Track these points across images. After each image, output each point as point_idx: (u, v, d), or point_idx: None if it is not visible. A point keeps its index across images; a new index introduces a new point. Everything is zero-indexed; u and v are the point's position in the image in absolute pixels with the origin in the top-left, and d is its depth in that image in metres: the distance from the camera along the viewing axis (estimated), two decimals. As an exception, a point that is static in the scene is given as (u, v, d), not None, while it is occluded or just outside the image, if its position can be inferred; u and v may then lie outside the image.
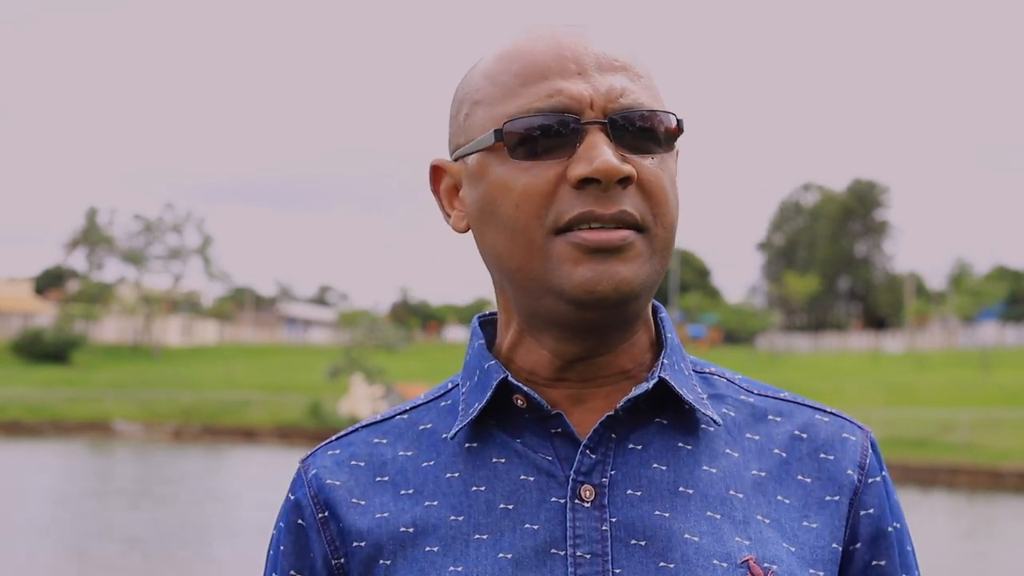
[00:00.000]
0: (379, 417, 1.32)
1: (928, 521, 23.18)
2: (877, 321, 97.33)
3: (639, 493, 1.20)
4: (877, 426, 35.38)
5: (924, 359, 64.06)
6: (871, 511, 1.27)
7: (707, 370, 1.31)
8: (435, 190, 1.30)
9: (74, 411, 47.71)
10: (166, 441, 43.97)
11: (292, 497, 1.29)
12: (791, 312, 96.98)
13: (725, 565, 1.18)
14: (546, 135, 1.18)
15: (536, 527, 1.19)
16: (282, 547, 1.29)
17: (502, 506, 1.20)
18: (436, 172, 1.29)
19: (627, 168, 1.16)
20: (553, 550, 1.18)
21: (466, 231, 1.26)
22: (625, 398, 1.20)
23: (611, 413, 1.21)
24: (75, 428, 45.43)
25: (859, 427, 1.31)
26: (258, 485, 27.63)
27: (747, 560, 1.18)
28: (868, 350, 78.75)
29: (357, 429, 1.31)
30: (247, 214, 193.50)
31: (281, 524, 1.30)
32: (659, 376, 1.22)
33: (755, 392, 1.31)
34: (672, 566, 1.17)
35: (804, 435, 1.28)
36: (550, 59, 1.20)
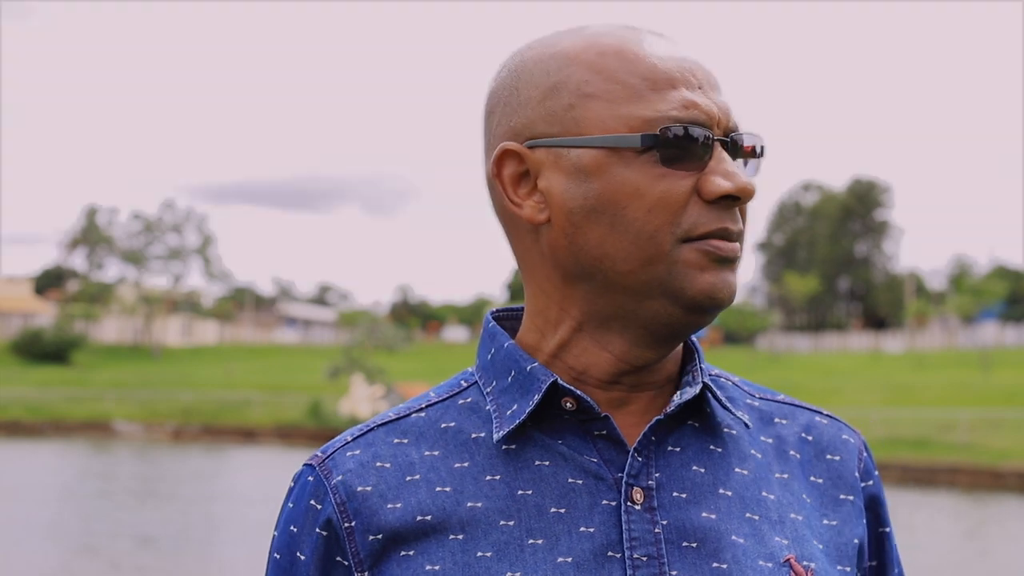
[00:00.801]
0: (392, 415, 1.28)
1: (929, 521, 23.19)
2: (877, 321, 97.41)
3: (684, 495, 1.20)
4: (877, 426, 35.41)
5: (924, 359, 64.09)
6: (866, 516, 1.31)
7: (712, 372, 1.32)
8: (498, 175, 1.25)
9: (74, 411, 47.72)
10: (166, 441, 43.98)
11: (316, 505, 1.23)
12: (791, 312, 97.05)
13: (770, 565, 1.19)
14: (687, 146, 1.18)
15: (592, 530, 1.18)
16: (301, 556, 1.24)
17: (553, 510, 1.19)
18: (506, 156, 1.24)
19: (754, 188, 1.20)
20: (610, 553, 1.17)
21: (544, 223, 1.23)
22: (677, 402, 1.21)
23: (660, 417, 1.21)
24: (75, 428, 45.44)
25: (852, 430, 1.35)
26: (259, 485, 27.63)
27: (788, 559, 1.20)
28: (868, 350, 78.81)
29: (373, 428, 1.26)
30: (247, 214, 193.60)
31: (294, 530, 1.25)
32: (703, 381, 1.24)
33: (757, 395, 1.34)
34: (725, 567, 1.17)
35: (809, 437, 1.31)
36: (673, 68, 1.19)
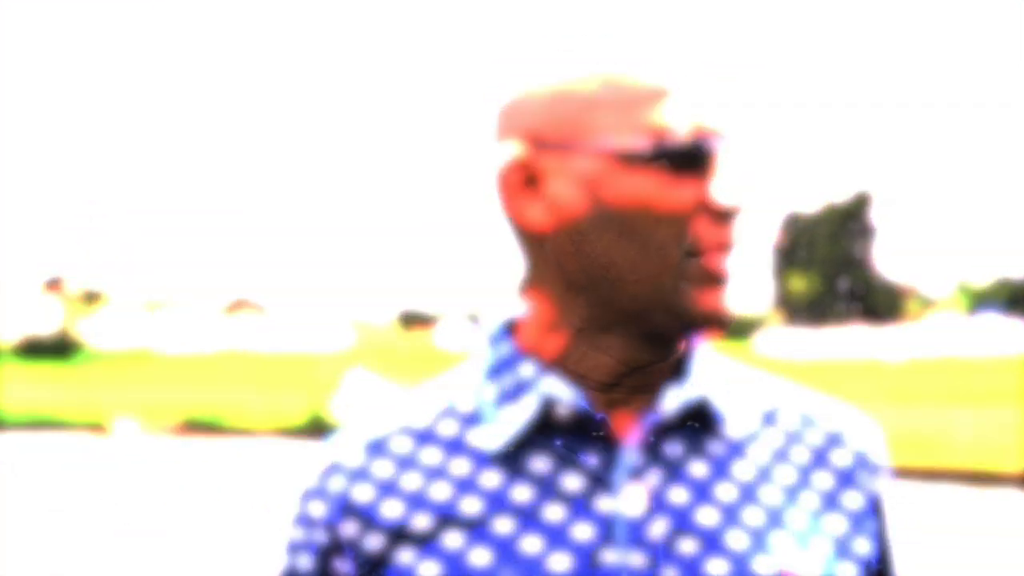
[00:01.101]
0: (391, 418, 1.29)
1: (928, 521, 23.21)
2: (877, 321, 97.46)
3: (682, 497, 1.20)
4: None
5: (924, 359, 64.12)
6: (872, 516, 1.30)
7: (716, 370, 1.32)
8: (504, 180, 1.24)
9: (74, 411, 47.76)
10: (166, 441, 44.00)
11: (314, 513, 1.25)
12: (791, 312, 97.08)
13: (771, 567, 1.19)
14: (695, 158, 1.19)
15: (588, 531, 1.18)
16: (304, 561, 1.26)
17: (550, 512, 1.19)
18: (512, 161, 1.24)
19: (752, 202, 1.22)
20: (606, 555, 1.17)
21: (550, 230, 1.22)
22: (675, 402, 1.21)
23: (657, 418, 1.21)
24: (75, 428, 45.46)
25: (863, 427, 1.33)
26: (259, 485, 27.67)
27: (789, 561, 1.20)
28: (868, 350, 78.81)
29: (372, 431, 1.28)
30: (245, 217, 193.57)
31: (297, 535, 1.27)
32: (702, 381, 1.24)
33: (763, 391, 1.32)
34: (723, 569, 1.18)
35: (816, 435, 1.30)
36: (680, 80, 1.21)
